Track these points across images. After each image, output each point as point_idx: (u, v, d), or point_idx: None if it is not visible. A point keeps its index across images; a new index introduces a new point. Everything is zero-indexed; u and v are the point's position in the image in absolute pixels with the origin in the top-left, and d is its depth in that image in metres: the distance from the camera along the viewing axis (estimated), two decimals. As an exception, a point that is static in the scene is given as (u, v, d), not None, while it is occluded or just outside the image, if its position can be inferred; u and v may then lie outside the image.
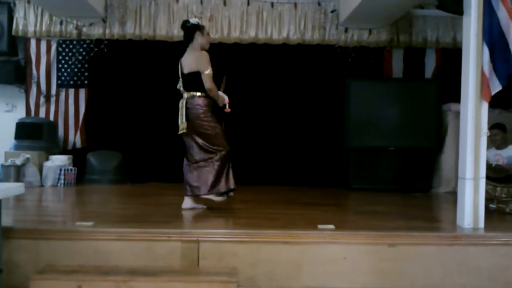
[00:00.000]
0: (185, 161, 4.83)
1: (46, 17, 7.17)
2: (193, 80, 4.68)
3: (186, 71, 4.72)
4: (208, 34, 4.92)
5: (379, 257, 3.62)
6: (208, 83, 4.65)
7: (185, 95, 4.74)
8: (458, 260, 3.64)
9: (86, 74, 7.34)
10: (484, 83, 3.89)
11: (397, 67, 7.46)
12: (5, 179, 6.17)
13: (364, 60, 7.31)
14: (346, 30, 7.26)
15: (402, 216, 4.74)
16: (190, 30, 4.78)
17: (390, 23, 7.17)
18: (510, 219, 4.64)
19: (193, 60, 4.70)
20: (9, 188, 3.56)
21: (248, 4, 7.22)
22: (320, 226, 3.84)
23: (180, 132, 4.74)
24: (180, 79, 4.83)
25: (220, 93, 4.86)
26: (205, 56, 4.69)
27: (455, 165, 5.29)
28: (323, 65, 7.31)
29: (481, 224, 3.96)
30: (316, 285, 3.57)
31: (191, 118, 4.67)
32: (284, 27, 7.25)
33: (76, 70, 7.32)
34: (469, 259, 3.65)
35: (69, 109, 7.37)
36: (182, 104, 4.72)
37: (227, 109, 4.84)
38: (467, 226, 3.96)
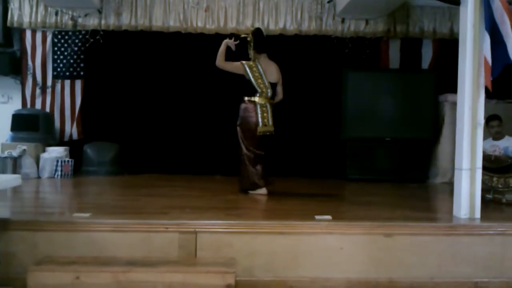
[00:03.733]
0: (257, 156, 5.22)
1: (41, 8, 7.12)
2: (274, 89, 5.33)
3: (272, 80, 5.29)
4: None
5: (376, 247, 3.64)
6: (282, 94, 5.45)
7: (264, 101, 5.24)
8: (454, 250, 3.66)
9: (82, 65, 7.32)
10: (487, 71, 3.88)
11: (394, 57, 7.45)
12: (2, 170, 6.15)
13: (361, 51, 7.30)
14: (343, 21, 7.24)
15: (398, 206, 4.75)
16: (267, 41, 5.44)
17: (387, 14, 7.16)
18: (506, 209, 4.66)
19: (277, 72, 5.36)
20: (6, 180, 3.56)
21: (245, -6, 7.21)
22: (317, 217, 3.85)
23: (269, 133, 5.26)
24: (264, 84, 5.22)
25: None
26: None
27: (451, 155, 5.28)
28: (320, 56, 7.30)
29: (477, 214, 3.98)
30: (313, 276, 3.59)
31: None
32: (281, 18, 7.22)
33: (72, 61, 7.29)
34: (465, 249, 3.67)
35: (65, 101, 7.35)
36: (268, 108, 5.24)
37: None
38: (464, 216, 3.97)
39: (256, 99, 5.20)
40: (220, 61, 5.21)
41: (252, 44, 5.28)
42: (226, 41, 5.26)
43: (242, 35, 5.46)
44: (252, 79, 5.18)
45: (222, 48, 5.22)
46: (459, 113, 4.09)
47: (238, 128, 5.25)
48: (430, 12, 7.31)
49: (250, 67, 5.20)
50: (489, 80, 3.87)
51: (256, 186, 5.22)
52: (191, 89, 7.26)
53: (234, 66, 5.24)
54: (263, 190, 5.24)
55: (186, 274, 3.31)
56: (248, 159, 5.21)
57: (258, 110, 5.18)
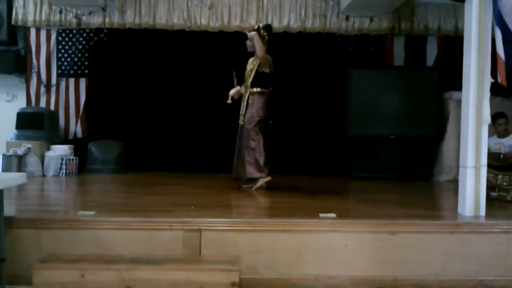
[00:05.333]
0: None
1: (45, 6, 7.13)
2: None
3: None
4: None
5: (380, 245, 3.63)
6: None
7: None
8: (459, 247, 3.65)
9: (86, 63, 7.32)
10: (501, 67, 3.84)
11: (399, 55, 7.42)
12: (7, 169, 6.18)
13: (365, 48, 7.27)
14: (347, 18, 7.21)
15: (403, 204, 4.74)
16: None
17: (392, 11, 7.12)
18: (511, 207, 4.64)
19: None
20: (11, 178, 3.57)
21: (249, -8, 7.19)
22: (321, 215, 3.85)
23: None
24: None
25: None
26: None
27: (456, 153, 5.29)
28: (324, 53, 7.28)
29: (482, 212, 3.97)
30: (317, 273, 3.59)
31: None
32: (285, 15, 7.21)
33: (76, 59, 7.30)
34: (470, 247, 3.66)
35: (70, 99, 7.36)
36: None
37: (228, 101, 5.54)
38: (468, 214, 3.96)
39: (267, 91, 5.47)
40: (264, 51, 5.35)
41: (266, 38, 5.43)
42: (256, 33, 5.37)
43: (257, 26, 5.55)
44: (270, 73, 5.45)
45: (259, 39, 5.30)
46: (463, 110, 4.08)
47: (258, 118, 5.37)
48: (434, 9, 7.27)
49: (271, 62, 5.49)
50: (503, 76, 3.83)
51: (267, 170, 5.39)
52: (195, 87, 7.25)
53: (267, 59, 5.45)
54: (268, 177, 5.41)
55: (191, 272, 3.32)
56: (263, 146, 5.39)
57: (269, 101, 5.51)
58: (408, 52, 7.42)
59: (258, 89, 5.42)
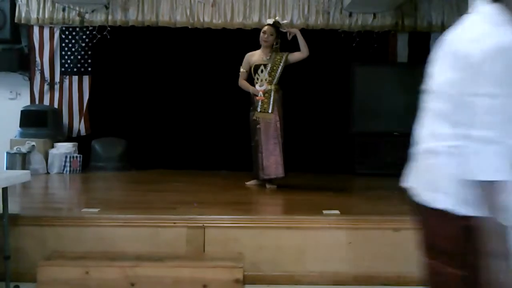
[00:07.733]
0: None
1: (48, 4, 7.13)
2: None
3: None
4: (264, 32, 5.50)
5: (384, 242, 3.63)
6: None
7: None
8: (463, 244, 3.64)
9: (89, 61, 7.32)
10: None
11: (402, 51, 7.39)
12: (11, 166, 6.20)
13: (368, 45, 7.24)
14: (350, 15, 7.19)
15: (407, 201, 4.73)
16: None
17: (395, 7, 7.10)
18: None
19: None
20: (15, 176, 3.58)
21: (252, -12, 7.18)
22: (325, 212, 3.84)
23: None
24: None
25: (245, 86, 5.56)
26: (245, 56, 5.57)
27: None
28: (328, 50, 7.23)
29: (486, 208, 3.95)
30: (321, 270, 3.59)
31: None
32: (288, 12, 7.18)
33: (79, 57, 7.31)
34: (474, 243, 3.65)
35: (73, 97, 7.37)
36: None
37: (258, 97, 5.41)
38: (472, 211, 3.95)
39: None
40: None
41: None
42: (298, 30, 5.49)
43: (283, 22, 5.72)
44: None
45: (302, 37, 5.43)
46: (468, 106, 4.06)
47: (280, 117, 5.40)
48: (438, 5, 7.24)
49: None
50: None
51: None
52: (198, 84, 7.24)
53: None
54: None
55: (194, 269, 3.32)
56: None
57: None
58: (411, 49, 7.38)
59: (278, 86, 5.45)
